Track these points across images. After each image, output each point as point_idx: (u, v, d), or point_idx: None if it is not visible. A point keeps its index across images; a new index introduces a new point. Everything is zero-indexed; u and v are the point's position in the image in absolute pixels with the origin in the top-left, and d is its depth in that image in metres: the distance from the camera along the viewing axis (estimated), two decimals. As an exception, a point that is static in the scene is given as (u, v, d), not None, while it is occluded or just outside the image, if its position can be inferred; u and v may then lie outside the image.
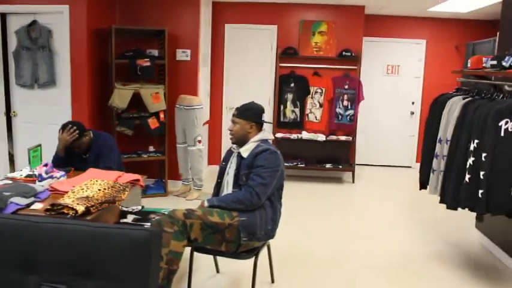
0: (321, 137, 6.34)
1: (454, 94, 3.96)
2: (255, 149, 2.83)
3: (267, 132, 3.03)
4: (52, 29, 4.91)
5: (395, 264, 3.79)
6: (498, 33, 5.08)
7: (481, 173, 3.07)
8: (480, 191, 3.07)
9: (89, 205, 2.47)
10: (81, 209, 2.41)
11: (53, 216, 2.43)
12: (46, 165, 2.93)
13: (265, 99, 6.63)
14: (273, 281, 3.28)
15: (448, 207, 3.62)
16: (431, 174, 3.87)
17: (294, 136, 6.37)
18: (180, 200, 5.23)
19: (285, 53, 6.37)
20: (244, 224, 2.66)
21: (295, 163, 6.38)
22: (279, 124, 6.53)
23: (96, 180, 2.92)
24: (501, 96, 3.32)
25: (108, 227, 2.17)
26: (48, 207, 2.46)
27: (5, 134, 5.26)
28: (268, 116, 6.63)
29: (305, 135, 6.39)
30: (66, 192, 2.76)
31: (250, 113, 2.93)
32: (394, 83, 7.22)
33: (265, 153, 2.78)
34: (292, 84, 6.46)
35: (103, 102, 5.10)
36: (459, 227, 4.67)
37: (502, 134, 3.05)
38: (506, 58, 3.40)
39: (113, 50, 4.92)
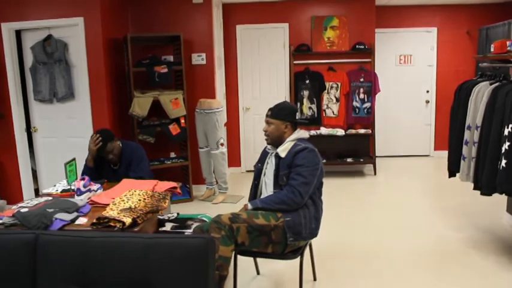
0: (340, 132, 6.32)
1: (479, 80, 3.93)
2: (293, 148, 2.82)
3: (303, 131, 3.03)
4: (67, 42, 4.91)
5: (433, 252, 3.79)
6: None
7: (519, 157, 3.05)
8: (519, 176, 3.06)
9: (135, 216, 2.47)
10: (128, 220, 2.41)
11: (99, 229, 2.44)
12: (83, 179, 2.93)
13: (281, 97, 6.62)
14: (315, 279, 3.27)
15: (482, 193, 3.61)
16: (461, 161, 3.86)
17: (313, 132, 6.35)
18: (206, 204, 5.23)
19: (299, 50, 6.36)
20: (289, 224, 2.65)
21: (315, 159, 6.36)
22: (298, 122, 6.50)
23: (135, 191, 2.91)
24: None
25: (162, 237, 2.17)
26: (94, 221, 2.46)
27: (27, 150, 5.28)
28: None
29: (324, 130, 6.38)
30: (107, 204, 2.76)
31: (284, 113, 2.92)
32: (408, 73, 7.19)
33: (304, 151, 2.77)
34: (308, 81, 6.44)
35: (123, 111, 5.11)
36: (489, 213, 4.64)
37: (537, 117, 3.03)
38: (534, 40, 3.38)
39: (130, 59, 4.93)
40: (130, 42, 4.90)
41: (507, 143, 3.16)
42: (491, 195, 3.60)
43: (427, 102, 7.26)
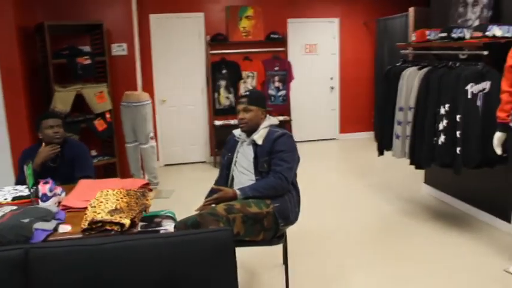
0: (260, 120, 6.46)
1: (403, 66, 4.32)
2: (271, 134, 2.84)
3: (273, 118, 3.05)
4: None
5: (375, 225, 4.14)
6: (411, 8, 5.64)
7: (457, 132, 3.46)
8: (458, 149, 3.47)
9: (132, 216, 2.30)
10: (127, 222, 2.24)
11: (93, 235, 2.23)
12: (47, 182, 2.62)
13: (198, 88, 6.55)
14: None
15: (418, 167, 4.03)
16: (395, 140, 4.23)
17: (233, 122, 6.39)
18: (140, 202, 4.99)
19: (215, 40, 6.33)
20: (278, 209, 2.69)
21: (237, 148, 6.42)
22: (215, 112, 6.50)
23: (108, 191, 2.69)
24: (457, 64, 3.73)
25: (183, 235, 2.09)
26: (85, 226, 2.24)
27: None
28: (202, 104, 6.60)
29: (245, 119, 6.46)
30: (83, 208, 2.53)
31: (261, 100, 2.93)
32: (313, 61, 7.57)
33: (284, 137, 2.81)
34: (224, 71, 6.46)
35: (42, 108, 4.62)
36: (407, 185, 5.19)
37: (469, 96, 3.46)
38: (455, 30, 3.83)
39: (48, 49, 4.45)
40: (48, 31, 4.42)
41: (444, 121, 3.56)
42: (424, 168, 4.06)
43: (332, 88, 7.75)
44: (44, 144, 3.23)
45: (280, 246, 2.93)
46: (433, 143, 3.71)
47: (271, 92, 6.63)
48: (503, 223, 3.80)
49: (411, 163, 4.03)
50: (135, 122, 4.92)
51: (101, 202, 2.53)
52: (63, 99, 4.53)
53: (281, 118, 6.59)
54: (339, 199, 4.93)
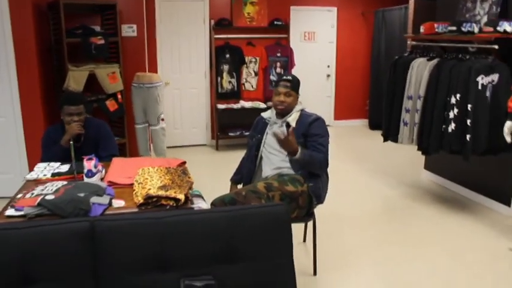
0: (262, 105, 6.59)
1: (411, 56, 4.52)
2: (305, 117, 2.99)
3: (301, 103, 3.20)
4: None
5: (382, 209, 4.37)
6: (412, 0, 5.83)
7: (468, 121, 3.69)
8: (468, 136, 3.70)
9: (185, 192, 2.42)
10: (182, 197, 2.36)
11: (149, 210, 2.33)
12: (91, 159, 2.70)
13: (201, 72, 6.62)
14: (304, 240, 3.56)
15: (425, 153, 4.26)
16: (403, 127, 4.42)
17: (236, 106, 6.50)
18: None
19: (220, 24, 6.39)
20: (313, 189, 2.85)
21: (239, 132, 6.55)
22: (218, 96, 6.59)
23: (148, 169, 2.79)
24: (467, 56, 3.94)
25: (242, 209, 2.21)
26: (141, 201, 2.35)
27: None
28: (205, 88, 6.68)
29: (247, 104, 6.58)
30: (128, 184, 2.63)
31: (299, 86, 3.07)
32: (311, 49, 7.71)
33: (319, 121, 2.97)
34: (228, 55, 6.53)
35: (55, 87, 4.62)
36: (407, 171, 5.43)
37: (480, 87, 3.68)
38: (464, 24, 4.03)
39: (63, 28, 4.45)
40: (63, 8, 4.41)
41: (455, 110, 3.77)
42: (431, 154, 4.28)
43: (328, 76, 7.92)
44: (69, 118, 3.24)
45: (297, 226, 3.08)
46: (441, 131, 3.93)
47: (273, 77, 6.75)
48: (504, 207, 4.07)
49: (419, 149, 4.25)
50: (146, 103, 4.98)
51: (146, 179, 2.64)
52: (76, 78, 4.54)
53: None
54: (341, 184, 5.10)
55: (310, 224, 3.50)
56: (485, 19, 4.11)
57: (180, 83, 6.57)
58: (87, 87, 4.70)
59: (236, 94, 6.67)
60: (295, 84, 3.05)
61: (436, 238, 3.68)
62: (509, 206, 4.03)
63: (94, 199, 2.36)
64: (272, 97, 3.15)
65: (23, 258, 1.82)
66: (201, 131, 6.84)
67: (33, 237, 1.88)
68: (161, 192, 2.38)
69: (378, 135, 5.38)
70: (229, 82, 6.63)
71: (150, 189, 2.45)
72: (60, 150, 3.24)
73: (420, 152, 4.31)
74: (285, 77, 3.09)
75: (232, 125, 6.61)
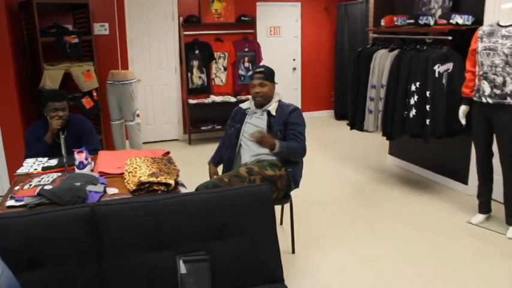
0: (233, 99, 6.79)
1: (374, 48, 4.83)
2: (285, 107, 3.23)
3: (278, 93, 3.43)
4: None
5: (349, 192, 4.65)
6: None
7: (427, 106, 4.02)
8: (428, 120, 4.03)
9: (175, 178, 2.60)
10: (172, 182, 2.54)
11: (142, 195, 2.51)
12: (81, 151, 2.84)
13: (171, 68, 6.75)
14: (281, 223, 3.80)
15: (389, 138, 4.58)
16: (368, 115, 4.73)
17: (207, 100, 6.68)
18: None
19: (188, 21, 6.54)
20: (292, 174, 3.10)
21: (210, 126, 6.73)
22: (189, 91, 6.74)
23: (135, 159, 2.96)
24: (425, 47, 4.27)
25: (230, 190, 2.41)
26: (133, 187, 2.52)
27: None
28: (175, 84, 6.82)
29: (218, 98, 6.76)
30: (119, 174, 2.79)
31: (274, 76, 3.29)
32: (277, 43, 7.94)
33: (297, 111, 3.22)
34: (197, 51, 6.69)
35: (29, 87, 4.68)
36: (372, 157, 5.76)
37: (437, 75, 4.01)
38: (421, 17, 4.35)
39: (37, 26, 4.51)
40: (36, 8, 4.47)
41: (415, 97, 4.10)
42: (394, 139, 4.59)
43: (294, 69, 8.19)
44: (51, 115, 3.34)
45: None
46: (403, 117, 4.25)
47: (241, 72, 6.95)
48: (461, 185, 4.45)
49: (383, 135, 4.56)
50: (121, 100, 5.10)
51: (135, 168, 2.81)
52: (52, 77, 4.62)
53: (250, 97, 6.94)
54: (312, 171, 5.33)
55: (286, 208, 3.77)
56: (439, 12, 4.45)
57: (152, 79, 6.69)
58: (62, 85, 4.78)
59: (206, 89, 6.84)
60: (267, 74, 3.26)
61: (402, 216, 4.00)
62: (466, 184, 4.40)
63: (90, 187, 2.51)
64: (250, 90, 3.35)
65: (29, 244, 1.95)
66: (174, 126, 6.99)
67: (38, 223, 2.02)
68: (152, 179, 2.56)
69: (343, 125, 5.69)
70: (200, 77, 6.79)
71: (141, 176, 2.63)
72: (45, 146, 3.35)
73: (385, 138, 4.63)
74: (257, 70, 3.31)
75: (203, 119, 6.79)
